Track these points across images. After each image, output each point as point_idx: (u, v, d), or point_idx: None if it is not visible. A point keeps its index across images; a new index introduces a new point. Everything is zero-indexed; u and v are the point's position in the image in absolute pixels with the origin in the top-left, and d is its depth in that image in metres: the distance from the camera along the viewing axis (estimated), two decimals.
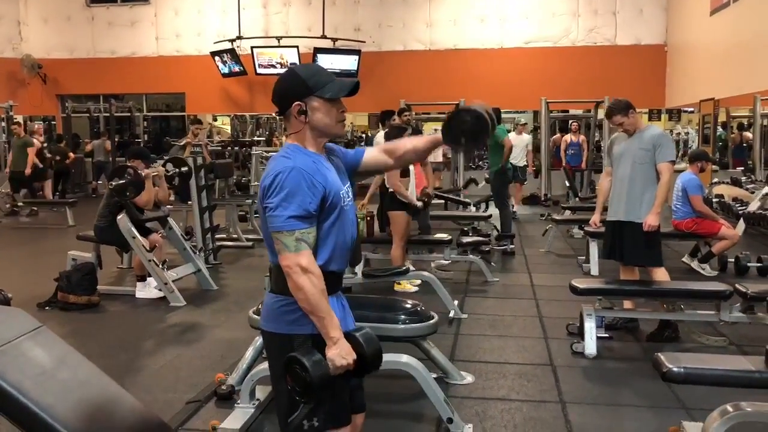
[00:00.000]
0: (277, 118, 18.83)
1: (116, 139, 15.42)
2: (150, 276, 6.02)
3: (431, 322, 3.82)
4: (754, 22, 10.77)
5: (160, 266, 5.88)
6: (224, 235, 8.81)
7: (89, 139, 16.03)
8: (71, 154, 14.73)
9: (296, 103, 2.00)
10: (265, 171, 2.01)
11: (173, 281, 5.91)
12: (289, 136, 2.06)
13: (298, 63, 15.30)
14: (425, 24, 15.58)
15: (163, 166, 6.73)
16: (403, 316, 3.81)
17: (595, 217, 5.28)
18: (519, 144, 11.56)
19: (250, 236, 9.06)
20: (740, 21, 11.33)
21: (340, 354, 1.91)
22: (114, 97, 16.63)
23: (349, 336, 1.97)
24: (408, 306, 3.97)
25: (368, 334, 2.02)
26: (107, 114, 16.15)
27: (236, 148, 15.05)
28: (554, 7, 15.23)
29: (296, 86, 2.01)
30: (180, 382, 4.02)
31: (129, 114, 15.98)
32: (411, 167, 6.04)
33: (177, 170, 6.72)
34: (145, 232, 6.11)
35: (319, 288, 1.91)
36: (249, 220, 9.60)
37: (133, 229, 5.83)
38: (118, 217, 5.81)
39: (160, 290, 5.95)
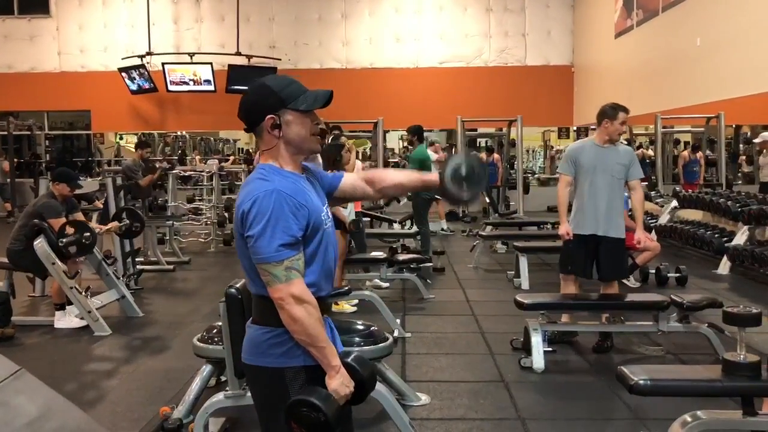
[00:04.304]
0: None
1: (15, 160, 14.52)
2: (70, 304, 5.62)
3: (387, 343, 3.74)
4: (656, 46, 11.43)
5: (83, 293, 5.50)
6: (142, 259, 8.40)
7: None
8: None
9: (269, 116, 1.88)
10: (240, 194, 1.88)
11: (97, 309, 5.55)
12: (262, 154, 1.94)
13: (212, 78, 14.97)
14: (341, 43, 15.63)
15: (116, 218, 6.47)
16: (357, 339, 3.72)
17: (567, 228, 4.81)
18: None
19: (170, 259, 8.70)
20: (643, 44, 12.00)
21: (342, 383, 1.81)
22: (11, 115, 15.69)
23: (342, 363, 1.87)
24: (361, 328, 3.87)
25: (360, 358, 1.93)
26: (5, 132, 15.21)
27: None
28: (467, 29, 15.65)
29: (268, 99, 1.89)
30: (119, 418, 3.75)
31: (29, 132, 15.07)
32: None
33: (128, 223, 6.47)
34: (64, 257, 5.71)
35: (315, 317, 1.80)
36: (168, 242, 9.21)
37: (53, 254, 5.43)
38: (36, 242, 5.40)
39: (81, 319, 5.56)
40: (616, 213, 4.72)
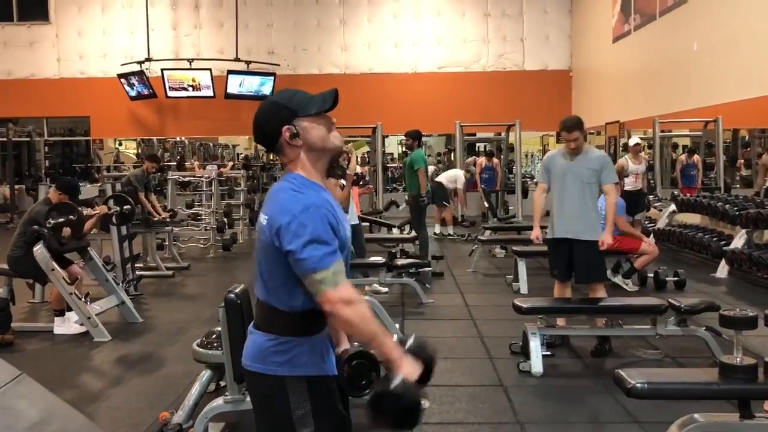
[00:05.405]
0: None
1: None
2: (69, 310, 5.64)
3: None
4: (653, 50, 11.47)
5: (83, 299, 5.52)
6: (141, 264, 8.41)
7: None
8: None
9: (286, 127, 1.90)
10: (271, 203, 1.88)
11: (96, 315, 5.56)
12: (287, 166, 1.95)
13: (211, 84, 15.01)
14: (340, 48, 15.67)
15: (105, 203, 6.47)
16: (356, 343, 3.72)
17: (537, 232, 5.20)
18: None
19: (170, 264, 8.71)
20: (641, 48, 12.03)
21: (410, 371, 1.81)
22: (11, 121, 15.72)
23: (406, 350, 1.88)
24: None
25: (420, 341, 1.96)
26: (4, 139, 15.24)
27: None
28: (465, 34, 15.68)
29: (279, 113, 1.92)
30: (119, 423, 3.76)
31: (28, 139, 15.08)
32: (350, 191, 6.00)
33: (118, 209, 6.47)
34: (64, 263, 5.72)
35: (367, 315, 1.80)
36: (167, 247, 9.22)
37: (52, 261, 5.45)
38: (35, 248, 5.41)
39: (81, 325, 5.58)
40: (587, 216, 4.84)
